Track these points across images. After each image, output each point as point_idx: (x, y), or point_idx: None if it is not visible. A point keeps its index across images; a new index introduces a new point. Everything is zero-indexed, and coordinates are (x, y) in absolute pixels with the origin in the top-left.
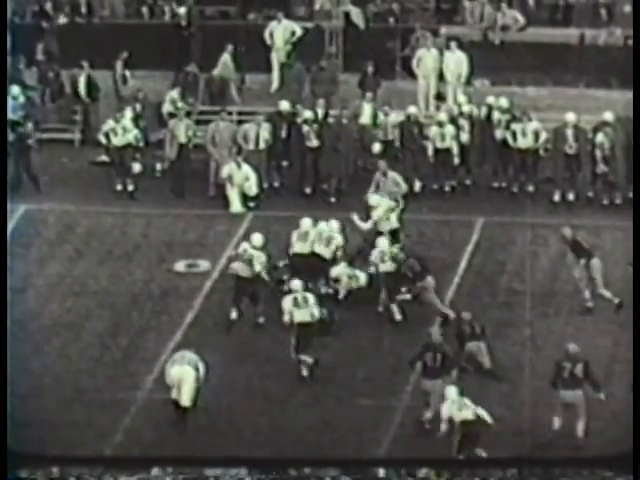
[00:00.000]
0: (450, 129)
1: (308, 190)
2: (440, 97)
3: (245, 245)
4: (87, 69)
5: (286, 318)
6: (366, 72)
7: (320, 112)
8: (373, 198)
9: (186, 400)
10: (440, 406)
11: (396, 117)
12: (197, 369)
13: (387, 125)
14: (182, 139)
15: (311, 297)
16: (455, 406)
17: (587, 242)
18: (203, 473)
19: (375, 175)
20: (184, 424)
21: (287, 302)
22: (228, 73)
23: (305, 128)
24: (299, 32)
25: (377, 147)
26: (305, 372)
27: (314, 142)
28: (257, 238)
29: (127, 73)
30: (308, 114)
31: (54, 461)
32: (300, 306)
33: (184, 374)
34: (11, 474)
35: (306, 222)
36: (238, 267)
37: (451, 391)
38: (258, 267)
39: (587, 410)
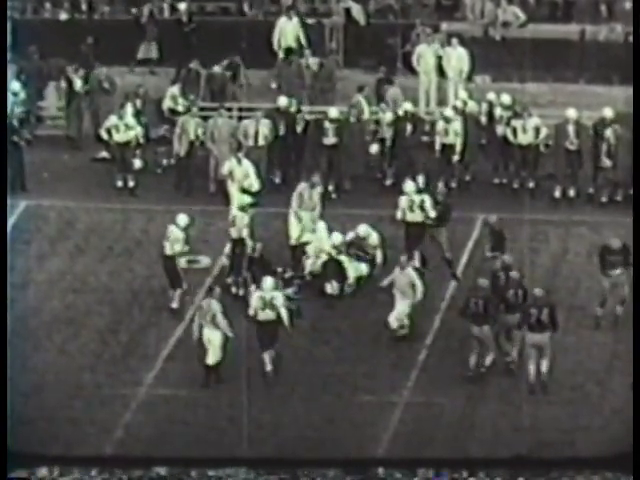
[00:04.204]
0: (455, 126)
1: None
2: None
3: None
4: (98, 67)
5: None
6: (380, 79)
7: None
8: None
9: (215, 358)
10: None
11: (391, 115)
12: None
13: (383, 123)
14: (192, 136)
15: (180, 224)
16: (260, 303)
17: (508, 241)
18: (204, 471)
19: (300, 185)
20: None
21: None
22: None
23: (326, 125)
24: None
25: (374, 148)
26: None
27: (332, 139)
28: (182, 218)
29: (242, 69)
30: (334, 113)
31: (54, 459)
32: (171, 240)
33: (212, 337)
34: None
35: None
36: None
37: (267, 283)
38: (177, 247)
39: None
